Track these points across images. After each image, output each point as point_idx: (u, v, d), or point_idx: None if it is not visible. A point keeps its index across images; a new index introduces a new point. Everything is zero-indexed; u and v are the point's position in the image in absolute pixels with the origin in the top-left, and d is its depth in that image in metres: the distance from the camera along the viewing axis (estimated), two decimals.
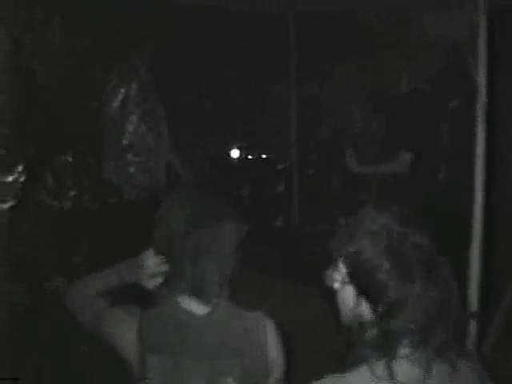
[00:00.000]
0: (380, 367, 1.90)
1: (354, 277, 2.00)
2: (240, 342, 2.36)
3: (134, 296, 2.54)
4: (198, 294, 2.37)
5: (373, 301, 1.95)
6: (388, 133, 5.40)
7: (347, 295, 2.03)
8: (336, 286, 2.07)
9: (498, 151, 4.15)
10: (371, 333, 1.95)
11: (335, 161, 6.32)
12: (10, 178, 5.58)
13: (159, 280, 2.49)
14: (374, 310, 1.95)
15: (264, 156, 7.06)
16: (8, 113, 5.62)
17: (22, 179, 5.63)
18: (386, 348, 1.91)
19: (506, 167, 5.55)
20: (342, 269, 2.03)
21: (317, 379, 1.99)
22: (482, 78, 3.82)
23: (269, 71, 6.65)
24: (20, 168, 5.64)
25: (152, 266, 2.46)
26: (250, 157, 7.02)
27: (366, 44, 5.72)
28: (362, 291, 1.97)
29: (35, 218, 5.74)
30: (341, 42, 5.98)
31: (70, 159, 6.10)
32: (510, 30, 4.97)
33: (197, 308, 2.39)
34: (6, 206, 5.54)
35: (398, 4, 5.42)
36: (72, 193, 6.07)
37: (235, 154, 7.04)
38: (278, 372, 2.40)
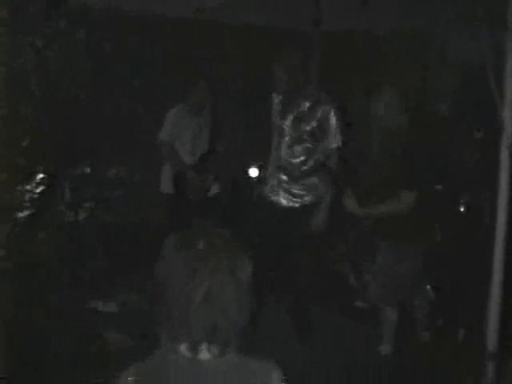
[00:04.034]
0: None
1: None
2: None
3: None
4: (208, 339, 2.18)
5: None
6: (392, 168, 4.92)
7: None
8: None
9: None
10: None
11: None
12: (29, 187, 5.58)
13: None
14: None
15: None
16: (29, 123, 5.63)
17: (40, 189, 5.63)
18: None
19: None
20: None
21: None
22: (507, 112, 3.64)
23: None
24: (39, 177, 5.64)
25: None
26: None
27: (385, 62, 5.66)
28: None
29: (51, 228, 5.74)
30: (360, 60, 5.94)
31: (88, 171, 6.12)
32: None
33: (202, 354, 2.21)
34: (23, 214, 5.54)
35: (421, 22, 5.38)
36: (88, 204, 6.07)
37: (254, 173, 6.98)
38: None
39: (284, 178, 5.45)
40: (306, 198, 5.42)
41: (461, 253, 4.89)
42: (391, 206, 4.83)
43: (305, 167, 5.39)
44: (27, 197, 5.57)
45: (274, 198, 5.50)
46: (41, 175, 5.63)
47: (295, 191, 5.45)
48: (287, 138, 5.41)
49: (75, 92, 5.93)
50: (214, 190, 6.48)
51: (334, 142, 5.33)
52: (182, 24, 6.86)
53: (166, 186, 6.40)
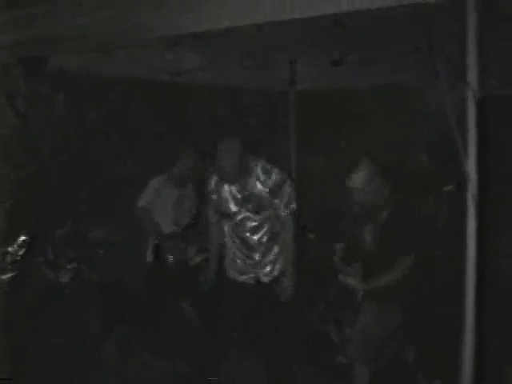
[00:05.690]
0: None
1: None
2: None
3: None
4: None
5: None
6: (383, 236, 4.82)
7: None
8: None
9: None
10: None
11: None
12: (11, 249, 5.62)
13: None
14: None
15: None
16: (11, 186, 5.70)
17: (22, 251, 5.67)
18: None
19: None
20: None
21: None
22: (471, 167, 3.73)
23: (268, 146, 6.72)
24: (21, 239, 5.69)
25: None
26: None
27: (365, 119, 5.76)
28: None
29: (33, 289, 5.75)
30: (340, 117, 6.04)
31: (70, 232, 6.16)
32: (501, 119, 4.94)
33: None
34: (6, 277, 5.56)
35: (396, 79, 5.51)
36: (70, 265, 6.09)
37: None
38: None
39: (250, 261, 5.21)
40: (274, 272, 5.19)
41: (434, 304, 4.91)
42: (390, 276, 4.76)
43: (263, 240, 5.17)
44: (9, 259, 5.61)
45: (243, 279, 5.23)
46: (23, 237, 5.68)
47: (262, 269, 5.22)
48: (238, 218, 5.17)
49: (56, 154, 6.03)
50: (197, 259, 6.38)
51: (285, 208, 5.10)
52: (163, 87, 6.95)
53: (149, 254, 6.37)
